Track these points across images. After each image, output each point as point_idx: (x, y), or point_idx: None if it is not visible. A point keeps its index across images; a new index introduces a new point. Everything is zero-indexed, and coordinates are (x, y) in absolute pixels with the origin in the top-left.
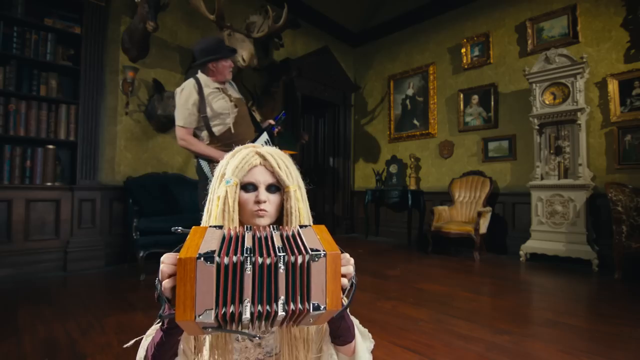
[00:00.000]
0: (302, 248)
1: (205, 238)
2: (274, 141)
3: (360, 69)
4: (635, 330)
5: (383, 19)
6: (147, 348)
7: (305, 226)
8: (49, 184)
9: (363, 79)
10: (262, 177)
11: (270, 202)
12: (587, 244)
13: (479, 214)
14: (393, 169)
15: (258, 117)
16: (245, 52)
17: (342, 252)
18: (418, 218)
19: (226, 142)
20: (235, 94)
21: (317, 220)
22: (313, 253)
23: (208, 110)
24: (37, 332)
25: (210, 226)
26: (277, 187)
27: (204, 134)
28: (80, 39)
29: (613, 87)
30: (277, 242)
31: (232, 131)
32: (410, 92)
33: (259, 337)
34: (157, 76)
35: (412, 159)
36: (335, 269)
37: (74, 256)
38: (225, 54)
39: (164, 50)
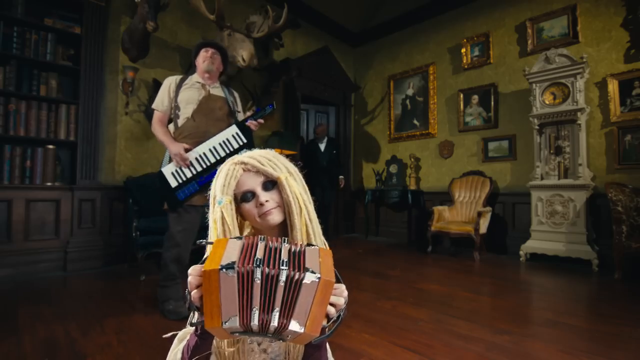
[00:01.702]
0: (302, 266)
1: (227, 249)
2: (247, 134)
3: (360, 69)
4: (635, 330)
5: (383, 19)
6: (183, 351)
7: (313, 245)
8: (49, 184)
9: (363, 79)
10: (253, 181)
11: (272, 199)
12: (587, 244)
13: (479, 214)
14: (393, 169)
15: None
16: (245, 52)
17: (339, 282)
18: (418, 218)
19: (188, 133)
20: (217, 92)
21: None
22: (308, 273)
23: (179, 98)
24: (37, 332)
25: (231, 238)
26: (272, 182)
27: (172, 125)
28: (80, 39)
29: (613, 87)
30: (284, 255)
31: (194, 122)
32: (410, 92)
33: (284, 340)
34: (157, 76)
35: (412, 159)
36: (324, 295)
37: (74, 256)
38: (201, 44)
39: (164, 50)
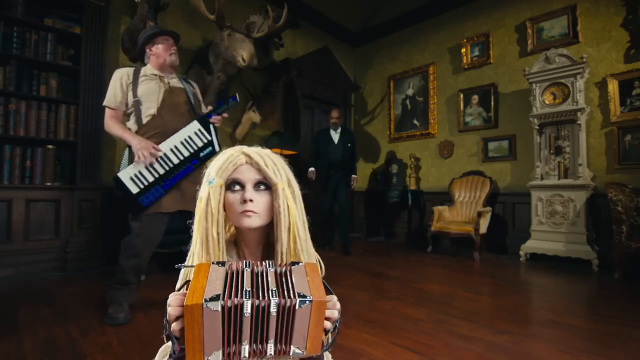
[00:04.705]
0: (291, 291)
1: (209, 278)
2: (210, 130)
3: (360, 69)
4: (635, 330)
5: (383, 19)
6: None
7: (298, 263)
8: (49, 184)
9: (363, 79)
10: (248, 175)
11: (257, 201)
12: (587, 244)
13: (479, 214)
14: (393, 169)
15: (258, 117)
16: (245, 52)
17: (331, 294)
18: (418, 218)
19: (156, 131)
20: (176, 84)
21: (314, 220)
22: (300, 299)
23: (138, 92)
24: (37, 332)
25: (213, 263)
26: (266, 185)
27: (132, 121)
28: (80, 39)
29: (613, 87)
30: (272, 282)
31: (162, 119)
32: (410, 92)
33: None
34: None
35: (412, 159)
36: (319, 315)
37: (73, 256)
38: (160, 31)
39: None
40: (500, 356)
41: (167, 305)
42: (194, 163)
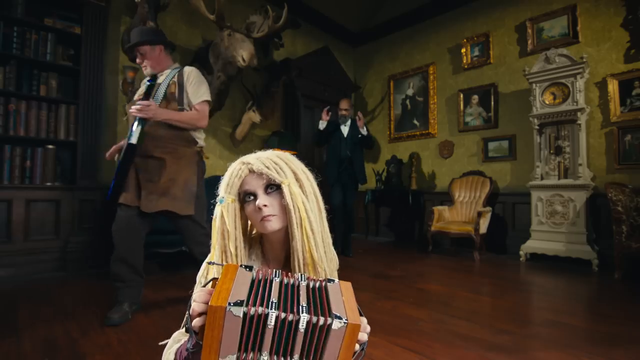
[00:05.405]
0: (327, 310)
1: (236, 281)
2: (139, 124)
3: (360, 69)
4: (635, 330)
5: (383, 19)
6: (176, 356)
7: (332, 281)
8: (49, 184)
9: (363, 79)
10: (255, 183)
11: (272, 204)
12: (587, 244)
13: (479, 214)
14: (393, 169)
15: (258, 117)
16: (245, 52)
17: (362, 316)
18: (418, 218)
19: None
20: (161, 81)
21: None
22: (336, 320)
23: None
24: (37, 332)
25: (240, 266)
26: (276, 186)
27: None
28: (80, 39)
29: (613, 87)
30: (302, 297)
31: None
32: (410, 92)
33: None
34: None
35: (412, 159)
36: (352, 339)
37: (74, 256)
38: (128, 47)
39: None
40: (500, 356)
41: (192, 300)
42: (119, 162)
